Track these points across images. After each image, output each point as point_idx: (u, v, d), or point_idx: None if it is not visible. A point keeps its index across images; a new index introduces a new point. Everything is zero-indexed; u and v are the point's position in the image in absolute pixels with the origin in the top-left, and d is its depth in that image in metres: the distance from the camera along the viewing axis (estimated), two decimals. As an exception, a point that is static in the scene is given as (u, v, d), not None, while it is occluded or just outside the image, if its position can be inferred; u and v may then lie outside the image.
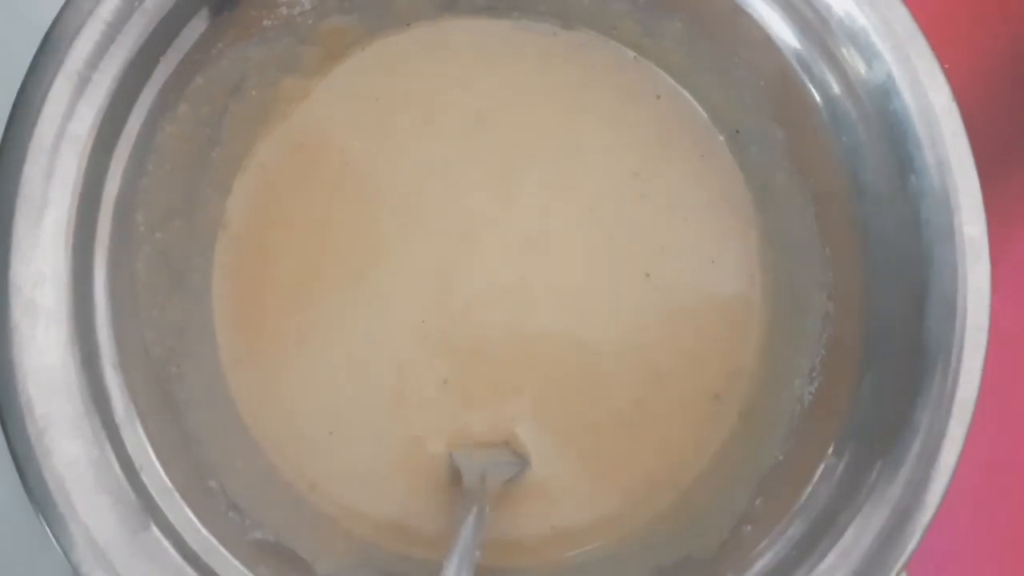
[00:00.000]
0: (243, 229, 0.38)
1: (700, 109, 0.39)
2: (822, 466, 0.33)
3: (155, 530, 0.30)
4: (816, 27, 0.33)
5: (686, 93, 0.39)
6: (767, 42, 0.34)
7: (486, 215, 0.38)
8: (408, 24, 0.39)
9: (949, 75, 0.31)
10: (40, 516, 0.28)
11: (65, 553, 0.28)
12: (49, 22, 0.29)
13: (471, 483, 0.34)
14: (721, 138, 0.39)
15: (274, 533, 0.33)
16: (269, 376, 0.37)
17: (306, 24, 0.36)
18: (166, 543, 0.30)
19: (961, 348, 0.30)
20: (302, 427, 0.37)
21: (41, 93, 0.29)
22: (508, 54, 0.39)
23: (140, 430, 0.31)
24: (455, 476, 0.36)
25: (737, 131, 0.38)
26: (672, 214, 0.39)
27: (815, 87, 0.34)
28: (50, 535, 0.28)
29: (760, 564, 0.32)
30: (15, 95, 0.29)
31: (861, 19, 0.31)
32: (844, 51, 0.32)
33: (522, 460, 0.37)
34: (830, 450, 0.33)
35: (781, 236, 0.38)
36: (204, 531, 0.31)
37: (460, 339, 0.37)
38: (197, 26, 0.32)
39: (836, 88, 0.33)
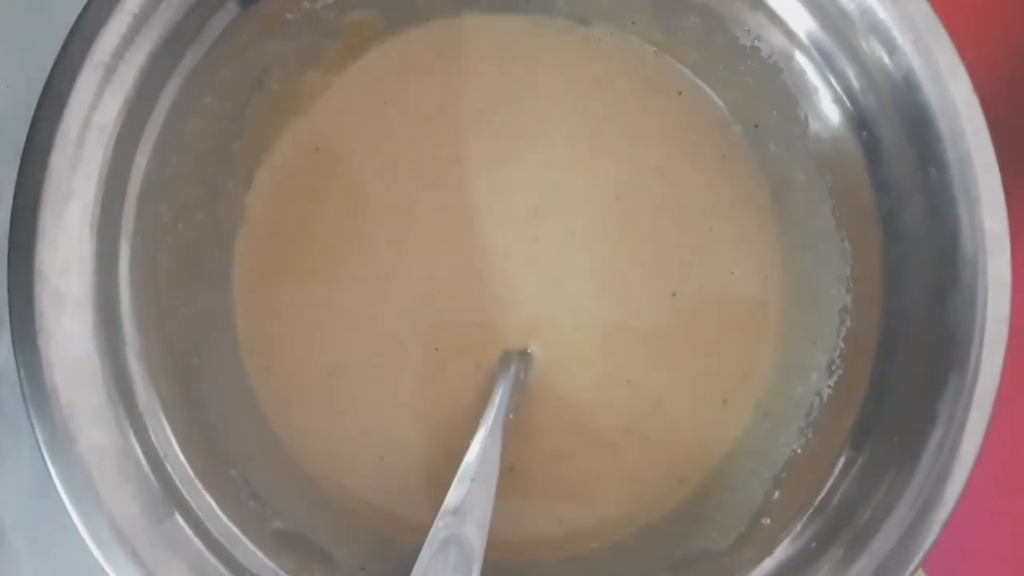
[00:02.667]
0: (263, 223, 0.38)
1: (721, 105, 0.39)
2: (841, 459, 0.33)
3: (178, 518, 0.30)
4: (837, 21, 0.33)
5: (707, 88, 0.39)
6: (788, 36, 0.34)
7: (501, 204, 0.39)
8: (427, 19, 0.39)
9: (970, 69, 0.31)
10: (66, 503, 0.29)
11: (89, 539, 0.29)
12: (76, 14, 0.30)
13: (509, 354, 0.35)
14: (741, 135, 0.39)
15: (295, 523, 0.33)
16: (289, 369, 0.37)
17: (328, 18, 0.36)
18: (188, 531, 0.30)
19: (982, 340, 0.30)
20: (323, 420, 0.37)
21: (68, 84, 0.29)
22: (524, 49, 0.40)
23: (163, 419, 0.31)
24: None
25: (756, 126, 0.38)
26: (698, 222, 0.39)
27: (836, 81, 0.34)
28: (76, 521, 0.29)
29: (778, 557, 0.32)
30: (43, 85, 0.30)
31: (882, 12, 0.31)
32: (865, 45, 0.32)
33: None
34: (849, 443, 0.33)
35: (799, 232, 0.38)
36: (226, 520, 0.31)
37: (476, 325, 0.38)
38: (222, 19, 0.32)
39: (857, 82, 0.33)
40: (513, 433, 0.35)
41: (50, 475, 0.29)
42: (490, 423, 0.31)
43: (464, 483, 0.28)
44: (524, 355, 0.37)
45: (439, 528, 0.27)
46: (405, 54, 0.39)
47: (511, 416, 0.32)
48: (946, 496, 0.30)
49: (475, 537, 0.27)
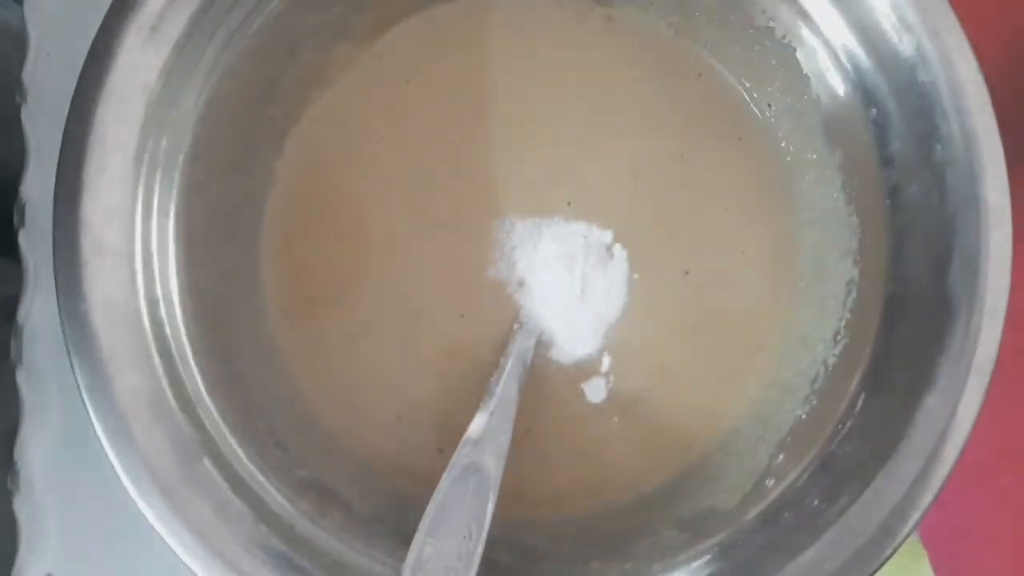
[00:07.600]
0: (292, 190, 0.39)
1: (737, 86, 0.40)
2: (846, 423, 0.34)
3: (206, 461, 0.31)
4: (849, 1, 0.34)
5: (723, 70, 0.40)
6: (801, 16, 0.36)
7: (519, 181, 0.40)
8: (454, -5, 0.40)
9: (977, 50, 0.32)
10: (102, 440, 0.30)
11: (123, 476, 0.30)
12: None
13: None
14: (755, 115, 0.40)
15: (317, 472, 0.35)
16: (313, 330, 0.38)
17: (359, -9, 0.38)
18: (216, 474, 0.31)
19: (982, 308, 0.31)
20: (344, 380, 0.38)
21: (114, 42, 0.31)
22: (546, 29, 0.41)
23: (194, 368, 0.33)
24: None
25: (769, 105, 0.40)
26: (713, 203, 0.40)
27: (847, 60, 0.35)
28: (111, 458, 0.30)
29: (783, 515, 0.33)
30: (90, 43, 0.31)
31: (892, -7, 0.33)
32: (876, 25, 0.33)
33: None
34: (853, 408, 0.34)
35: (809, 208, 0.39)
36: (251, 466, 0.33)
37: (497, 294, 0.39)
38: (260, -14, 0.34)
39: (867, 61, 0.34)
40: (530, 397, 0.36)
41: (82, 425, 0.30)
42: (510, 362, 0.33)
43: (485, 414, 0.30)
44: None
45: (461, 455, 0.28)
46: (430, 30, 0.40)
47: (529, 360, 0.33)
48: (945, 456, 0.31)
49: (493, 467, 0.28)
